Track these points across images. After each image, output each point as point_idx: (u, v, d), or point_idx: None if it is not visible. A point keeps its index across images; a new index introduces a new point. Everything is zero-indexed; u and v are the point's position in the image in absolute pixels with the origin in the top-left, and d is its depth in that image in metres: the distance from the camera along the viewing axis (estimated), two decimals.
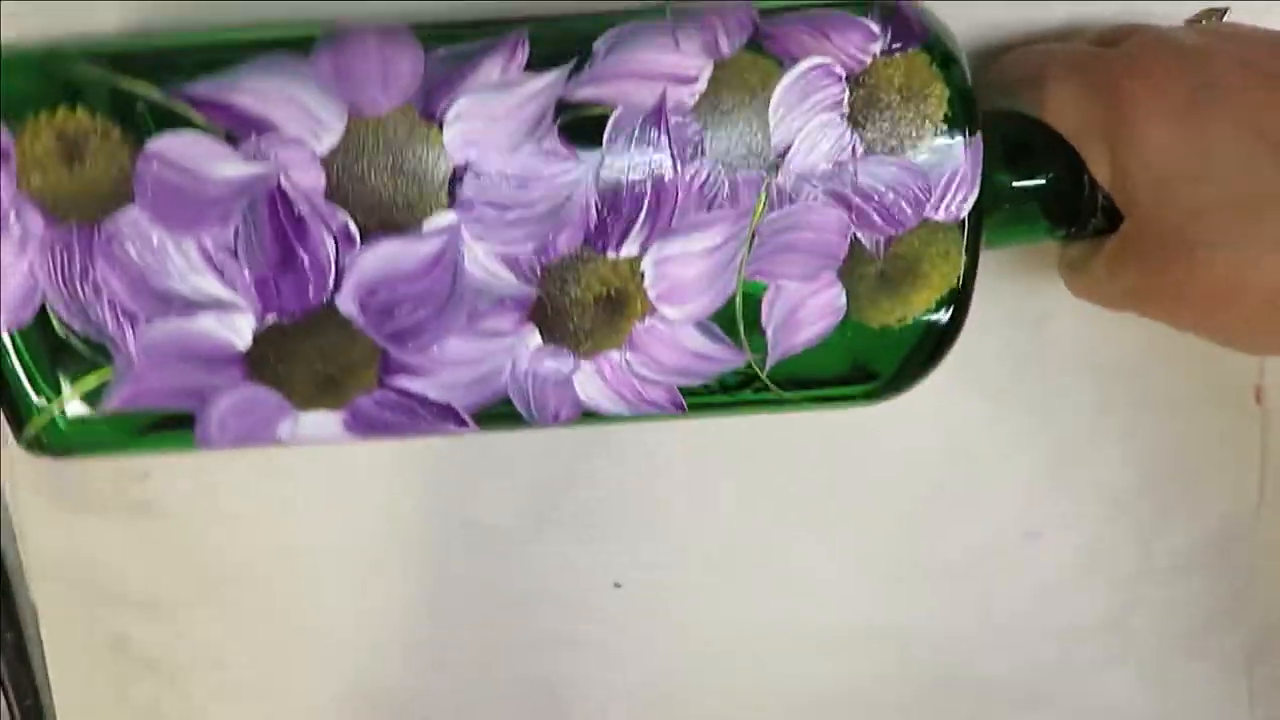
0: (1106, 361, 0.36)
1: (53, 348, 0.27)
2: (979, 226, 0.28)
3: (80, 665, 0.37)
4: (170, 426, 0.28)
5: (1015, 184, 0.30)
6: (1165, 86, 0.27)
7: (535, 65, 0.26)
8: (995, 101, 0.31)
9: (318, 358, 0.28)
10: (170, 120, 0.26)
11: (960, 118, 0.27)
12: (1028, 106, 0.29)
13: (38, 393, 0.27)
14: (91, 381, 0.27)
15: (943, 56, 0.27)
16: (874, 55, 0.27)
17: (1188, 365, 0.36)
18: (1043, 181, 0.30)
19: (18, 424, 0.28)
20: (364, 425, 0.28)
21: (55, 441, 0.28)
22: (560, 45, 0.27)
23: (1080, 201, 0.29)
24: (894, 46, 0.27)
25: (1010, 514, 0.36)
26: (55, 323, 0.27)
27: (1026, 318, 0.35)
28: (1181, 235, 0.27)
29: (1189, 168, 0.26)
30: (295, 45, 0.26)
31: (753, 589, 0.36)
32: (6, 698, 0.35)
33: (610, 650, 0.36)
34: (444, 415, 0.28)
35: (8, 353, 0.27)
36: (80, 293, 0.27)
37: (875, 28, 0.27)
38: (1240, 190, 0.26)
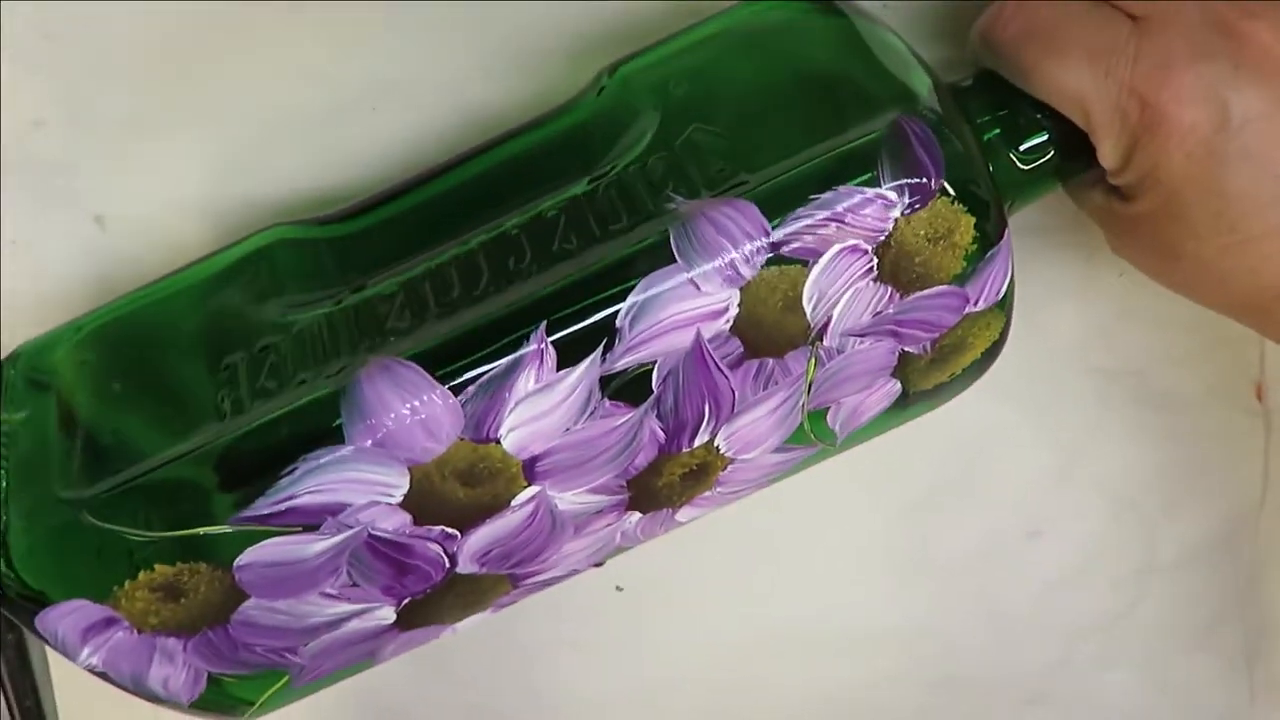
0: (1109, 360, 0.34)
1: (235, 687, 0.30)
2: (1013, 287, 0.28)
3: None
4: (352, 668, 0.32)
5: (1026, 165, 0.29)
6: (1194, 103, 0.26)
7: (565, 357, 0.25)
8: (988, 60, 0.29)
9: (458, 601, 0.30)
10: (248, 539, 0.26)
11: (991, 231, 0.26)
12: (1031, 85, 0.28)
13: (235, 709, 0.31)
14: (276, 686, 0.30)
15: (962, 188, 0.25)
16: (895, 220, 0.25)
17: (1190, 364, 0.35)
18: (1051, 154, 0.29)
19: None
20: (508, 605, 0.32)
21: (258, 715, 0.32)
22: (582, 329, 0.25)
23: (1087, 169, 0.29)
24: (913, 204, 0.25)
25: (1013, 513, 0.36)
26: (227, 679, 0.29)
27: (1030, 317, 0.34)
28: (1175, 242, 0.27)
29: (1199, 192, 0.26)
30: (317, 419, 0.25)
31: (754, 591, 0.36)
32: (6, 698, 0.36)
33: (611, 653, 0.36)
34: (570, 575, 0.32)
35: (202, 708, 0.30)
36: (238, 658, 0.29)
37: (891, 194, 0.25)
38: (1235, 222, 0.26)
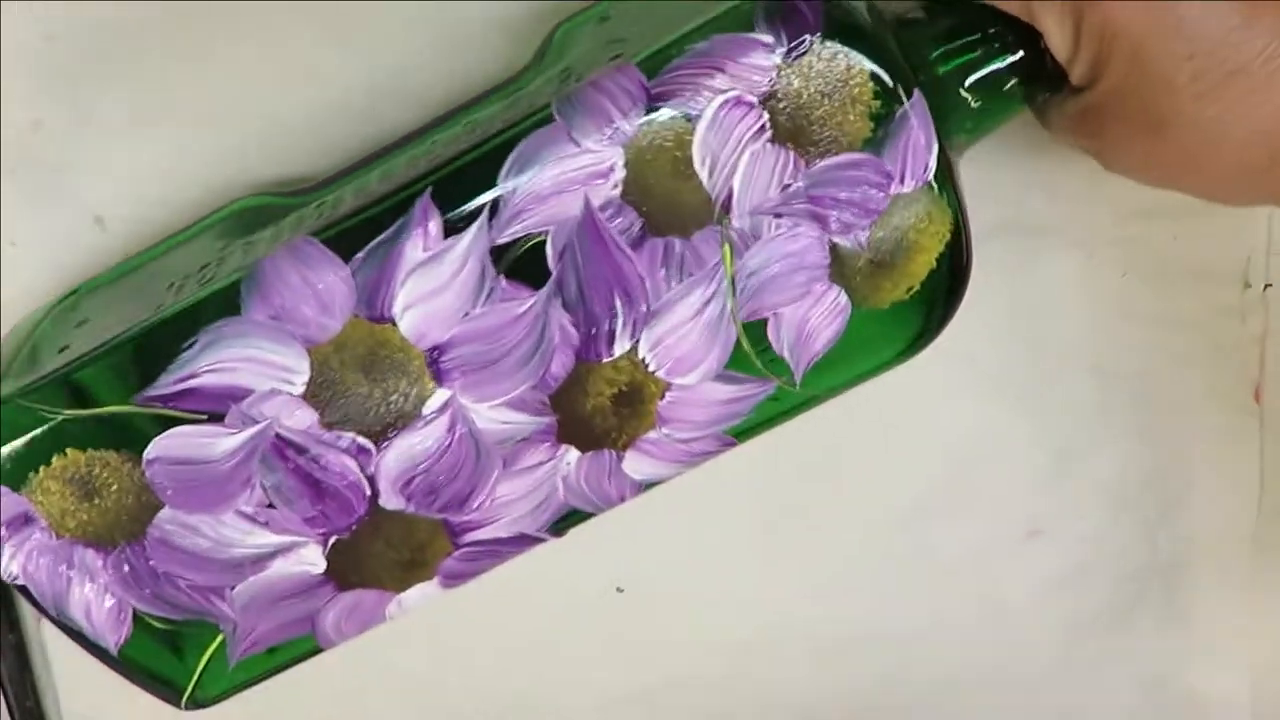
0: (1107, 360, 0.35)
1: (165, 638, 0.29)
2: (949, 172, 0.26)
3: (81, 666, 0.35)
4: (294, 643, 0.30)
5: (972, 80, 0.28)
6: None
7: (452, 225, 0.25)
8: None
9: (390, 550, 0.29)
10: (154, 425, 0.26)
11: (892, 85, 0.25)
12: None
13: (173, 673, 0.29)
14: (211, 647, 0.29)
15: (848, 32, 0.25)
16: (777, 66, 0.25)
17: (1188, 363, 0.35)
18: (1001, 67, 0.28)
19: (174, 699, 0.30)
20: (458, 578, 0.30)
21: (207, 699, 0.30)
22: (466, 192, 0.25)
23: (1045, 72, 0.27)
24: (794, 47, 0.25)
25: (1011, 513, 0.36)
26: (154, 623, 0.28)
27: (1028, 317, 0.34)
28: (1148, 110, 0.25)
29: (1159, 38, 0.24)
30: (223, 304, 0.26)
31: (754, 592, 0.36)
32: (6, 698, 0.35)
33: (611, 655, 0.36)
34: (521, 542, 0.29)
35: (133, 658, 0.29)
36: (161, 593, 0.28)
37: (767, 37, 0.25)
38: (1208, 61, 0.24)
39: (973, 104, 0.28)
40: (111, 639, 0.28)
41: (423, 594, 0.30)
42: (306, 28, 0.32)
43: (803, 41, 0.25)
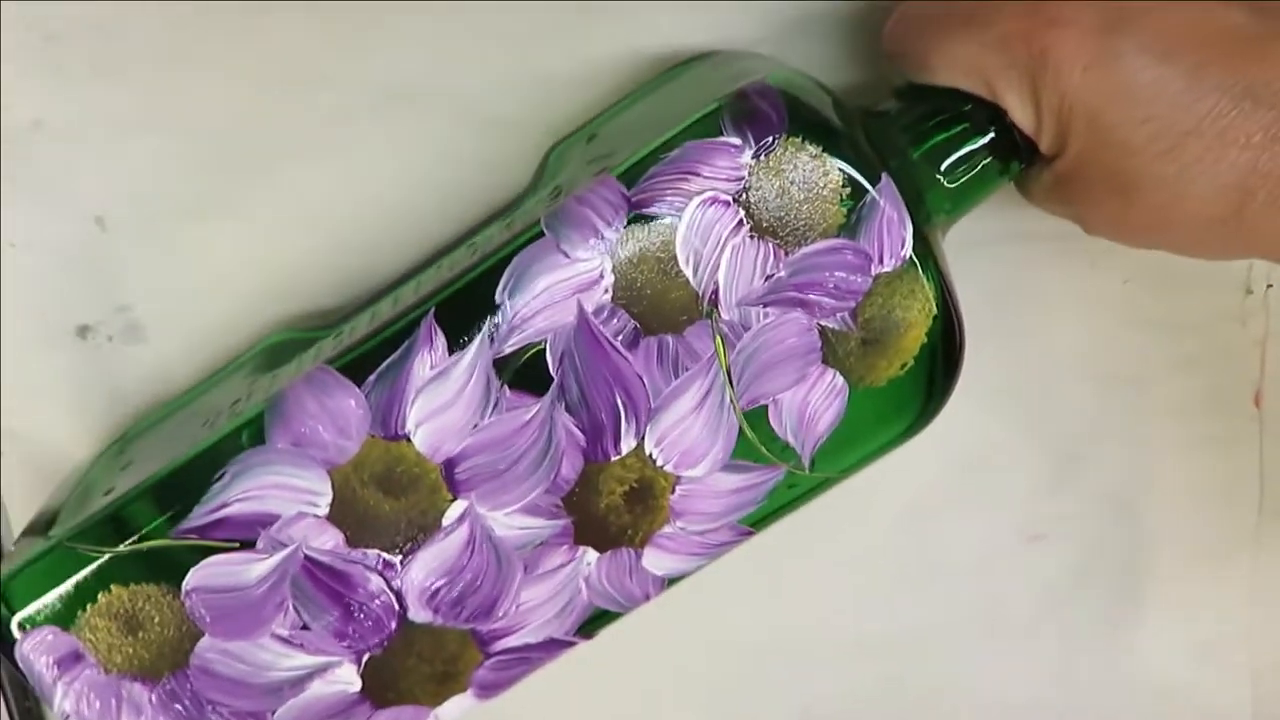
0: (1106, 366, 0.35)
1: None
2: (929, 248, 0.27)
3: None
4: None
5: (947, 164, 0.29)
6: (1077, 22, 0.25)
7: (455, 342, 0.27)
8: (894, 76, 0.30)
9: (422, 664, 0.29)
10: (191, 556, 0.28)
11: (861, 171, 0.26)
12: (931, 72, 0.28)
13: None
14: None
15: (813, 130, 0.26)
16: (748, 165, 0.26)
17: (1187, 370, 0.35)
18: (973, 148, 0.29)
19: None
20: (492, 688, 0.30)
21: None
22: (467, 310, 0.27)
23: (1016, 146, 0.28)
24: (762, 146, 0.26)
25: (1013, 517, 0.36)
26: None
27: (1031, 322, 0.35)
28: (1114, 174, 0.26)
29: (1113, 106, 0.25)
30: (249, 435, 0.27)
31: (754, 597, 0.36)
32: (6, 698, 0.35)
33: (611, 656, 0.34)
34: (551, 648, 0.30)
35: None
36: None
37: (735, 140, 0.26)
38: (1162, 124, 0.25)
39: (949, 185, 0.29)
40: None
41: (458, 707, 0.30)
42: (308, 28, 0.31)
43: (769, 140, 0.26)
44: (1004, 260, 0.33)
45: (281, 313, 0.34)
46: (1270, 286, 0.34)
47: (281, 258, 0.33)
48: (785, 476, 0.29)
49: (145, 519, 0.28)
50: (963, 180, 0.29)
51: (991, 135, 0.29)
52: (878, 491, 0.34)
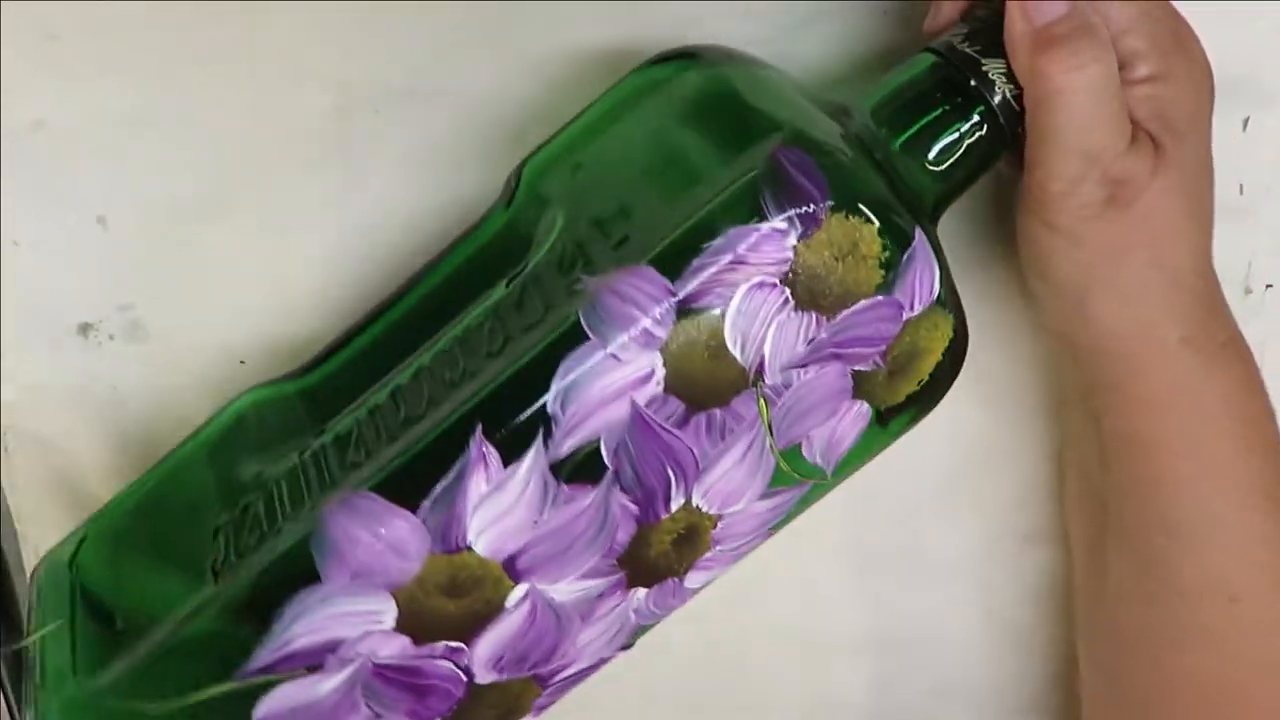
0: None
1: None
2: (950, 284, 0.28)
3: None
4: None
5: (934, 153, 0.29)
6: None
7: (508, 454, 0.26)
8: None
9: (489, 710, 0.30)
10: (258, 690, 0.27)
11: (899, 232, 0.26)
12: None
13: None
14: None
15: (854, 199, 0.25)
16: (794, 248, 0.25)
17: None
18: (956, 137, 0.29)
19: None
20: (547, 707, 0.32)
21: None
22: (515, 420, 0.26)
23: (1001, 128, 0.29)
24: (806, 227, 0.25)
25: (1010, 518, 0.36)
26: None
27: (1026, 324, 0.35)
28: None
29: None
30: (297, 572, 0.26)
31: (753, 595, 0.36)
32: (6, 698, 0.36)
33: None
34: (599, 665, 0.32)
35: None
36: None
37: (781, 224, 0.25)
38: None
39: (936, 171, 0.29)
40: None
41: None
42: (309, 28, 0.31)
43: (813, 218, 0.25)
44: (1004, 260, 0.33)
45: (281, 312, 0.33)
46: (1270, 286, 0.35)
47: (281, 257, 0.33)
48: (811, 489, 0.30)
49: (203, 663, 0.27)
50: (949, 164, 0.29)
51: (975, 119, 0.29)
52: (877, 491, 0.35)
